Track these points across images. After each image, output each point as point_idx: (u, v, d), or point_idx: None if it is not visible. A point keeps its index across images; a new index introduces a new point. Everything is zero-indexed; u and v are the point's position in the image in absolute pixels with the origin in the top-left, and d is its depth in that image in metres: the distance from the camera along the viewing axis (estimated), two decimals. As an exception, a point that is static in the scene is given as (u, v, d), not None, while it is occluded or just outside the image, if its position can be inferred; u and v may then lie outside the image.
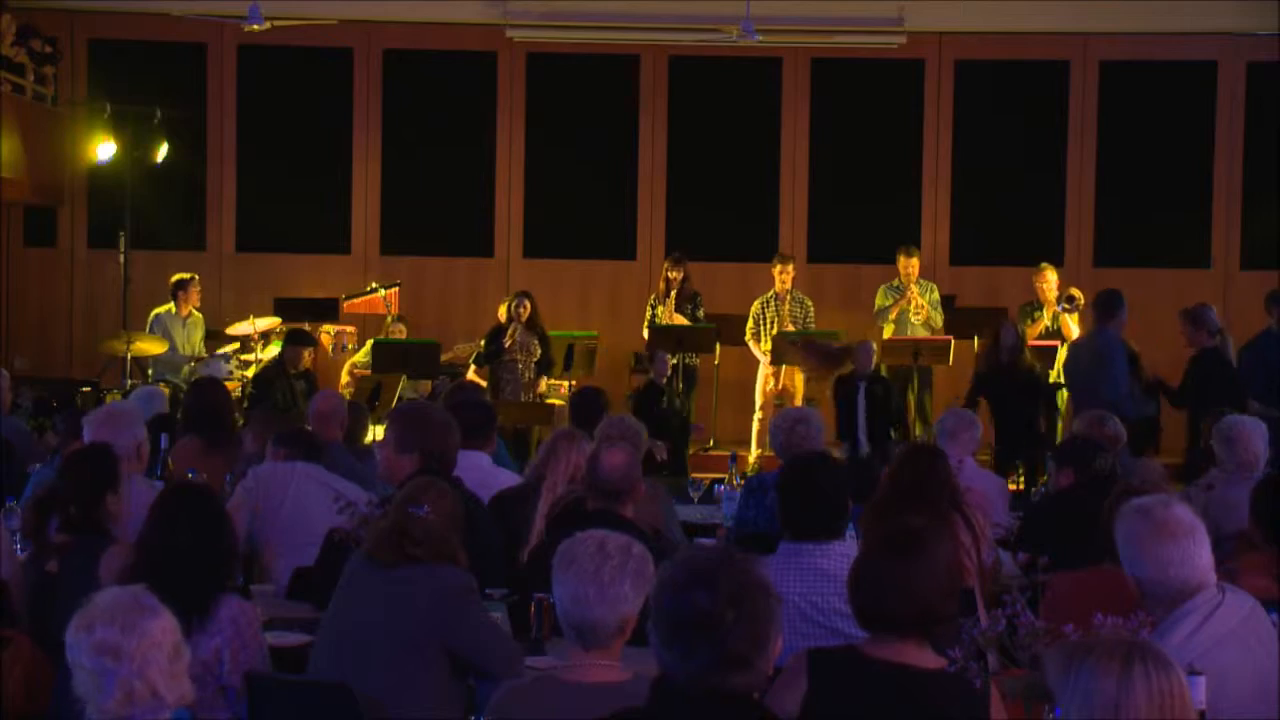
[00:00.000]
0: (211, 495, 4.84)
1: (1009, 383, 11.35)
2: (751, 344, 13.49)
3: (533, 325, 12.49)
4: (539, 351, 12.49)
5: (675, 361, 12.79)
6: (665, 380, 12.39)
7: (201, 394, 8.22)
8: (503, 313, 13.20)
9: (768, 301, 13.47)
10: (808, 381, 13.24)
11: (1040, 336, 12.88)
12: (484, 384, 12.27)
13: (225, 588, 4.55)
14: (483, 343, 12.84)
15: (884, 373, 12.86)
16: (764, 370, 13.40)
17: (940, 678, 3.78)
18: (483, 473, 6.73)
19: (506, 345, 12.42)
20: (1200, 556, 4.00)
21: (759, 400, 13.37)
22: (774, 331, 13.26)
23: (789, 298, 13.42)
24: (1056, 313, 13.01)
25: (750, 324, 13.49)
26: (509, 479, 7.00)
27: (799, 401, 12.93)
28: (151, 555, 4.51)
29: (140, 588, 3.38)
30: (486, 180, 15.12)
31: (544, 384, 12.70)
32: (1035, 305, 13.16)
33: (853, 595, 3.84)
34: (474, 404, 7.56)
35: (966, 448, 7.58)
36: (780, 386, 13.34)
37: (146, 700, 3.23)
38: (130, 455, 6.00)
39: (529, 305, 12.49)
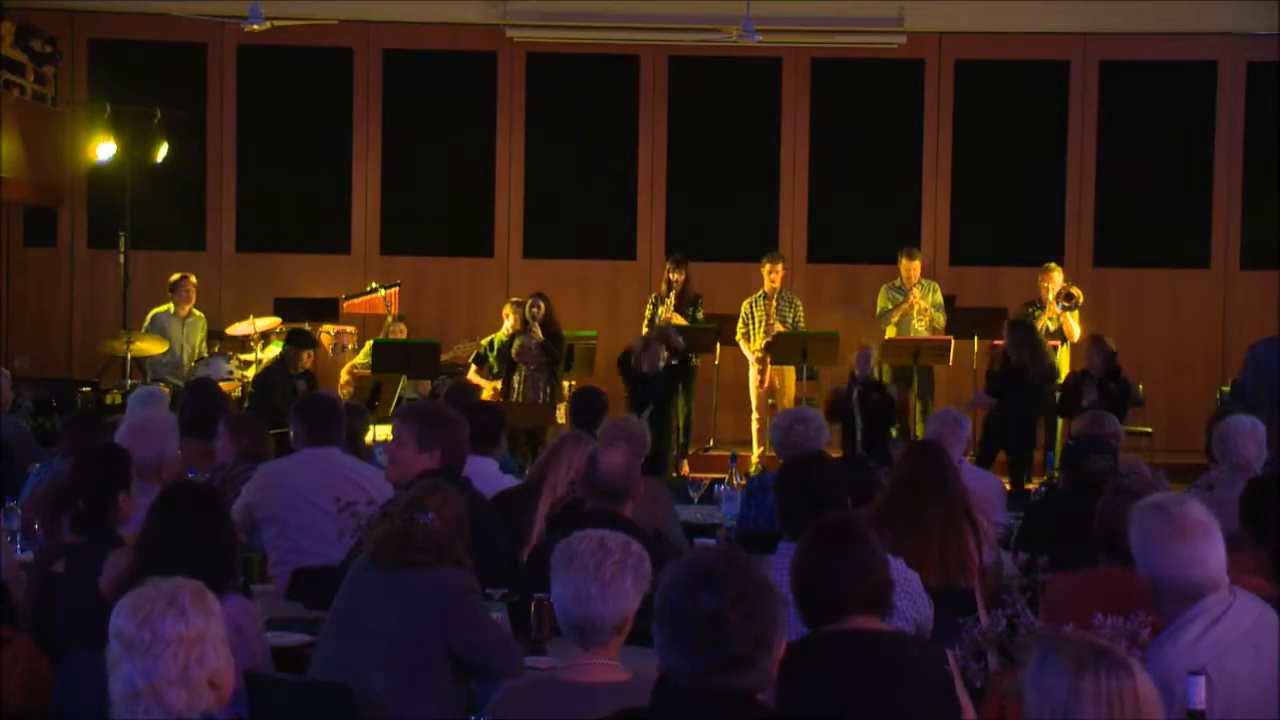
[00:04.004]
0: (211, 494, 4.83)
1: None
2: (741, 343, 13.45)
3: (547, 325, 12.48)
4: (544, 354, 12.49)
5: (676, 362, 12.75)
6: (656, 369, 12.26)
7: (198, 396, 8.23)
8: (506, 314, 13.16)
9: (756, 301, 13.44)
10: (798, 382, 13.25)
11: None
12: (483, 384, 12.26)
13: (226, 586, 4.55)
14: (485, 343, 12.80)
15: (886, 374, 12.86)
16: (753, 370, 13.39)
17: (904, 638, 3.89)
18: (489, 480, 6.66)
19: (515, 356, 12.41)
20: (1215, 555, 3.98)
21: (754, 400, 13.37)
22: (760, 330, 13.25)
23: (777, 297, 13.37)
24: (1058, 313, 12.99)
25: (740, 324, 13.45)
26: (513, 486, 6.96)
27: (789, 401, 12.94)
28: (151, 554, 4.50)
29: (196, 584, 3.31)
30: (486, 180, 15.11)
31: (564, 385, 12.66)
32: (1036, 304, 13.13)
33: (802, 591, 3.86)
34: (483, 409, 7.49)
35: (956, 449, 7.55)
36: (768, 385, 13.33)
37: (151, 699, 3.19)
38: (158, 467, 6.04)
39: (543, 306, 12.48)
